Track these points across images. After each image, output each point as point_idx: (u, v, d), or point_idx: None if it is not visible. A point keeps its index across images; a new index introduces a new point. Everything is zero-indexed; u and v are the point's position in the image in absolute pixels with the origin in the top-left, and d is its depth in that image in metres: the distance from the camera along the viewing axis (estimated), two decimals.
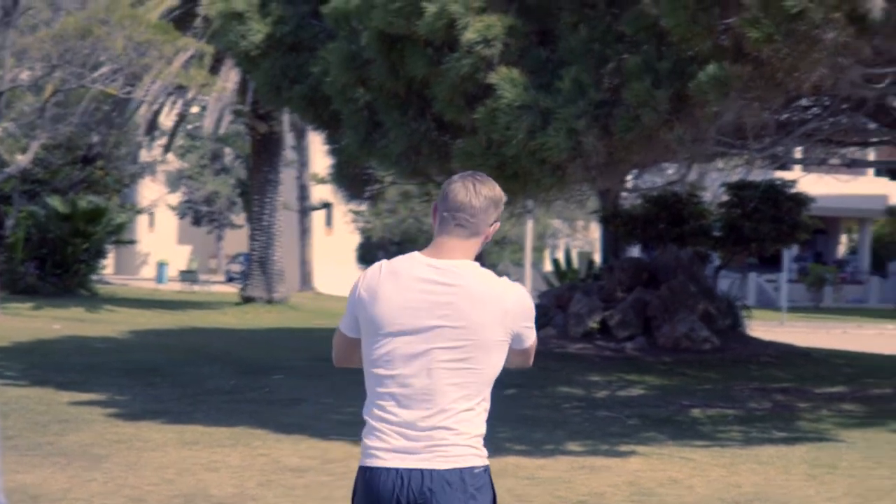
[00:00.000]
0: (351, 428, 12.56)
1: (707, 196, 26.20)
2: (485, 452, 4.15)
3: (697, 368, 19.35)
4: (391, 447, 4.14)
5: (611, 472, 10.59)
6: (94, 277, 40.63)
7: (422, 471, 4.08)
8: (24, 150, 35.91)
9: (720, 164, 20.05)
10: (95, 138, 40.48)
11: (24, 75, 31.62)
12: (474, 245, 4.30)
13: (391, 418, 4.16)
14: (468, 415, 4.12)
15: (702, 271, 23.65)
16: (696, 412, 14.81)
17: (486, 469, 4.15)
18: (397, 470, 4.11)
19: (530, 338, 4.21)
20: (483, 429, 4.16)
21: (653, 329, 21.48)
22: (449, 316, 4.12)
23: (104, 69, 29.15)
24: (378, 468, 4.15)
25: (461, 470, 4.09)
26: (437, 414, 4.11)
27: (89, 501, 8.82)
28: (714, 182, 27.77)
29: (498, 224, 4.33)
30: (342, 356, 4.45)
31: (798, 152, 22.50)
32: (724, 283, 27.24)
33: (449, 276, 4.19)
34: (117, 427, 12.34)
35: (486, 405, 4.18)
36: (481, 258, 4.43)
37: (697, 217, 24.17)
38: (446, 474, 4.07)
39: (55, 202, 38.48)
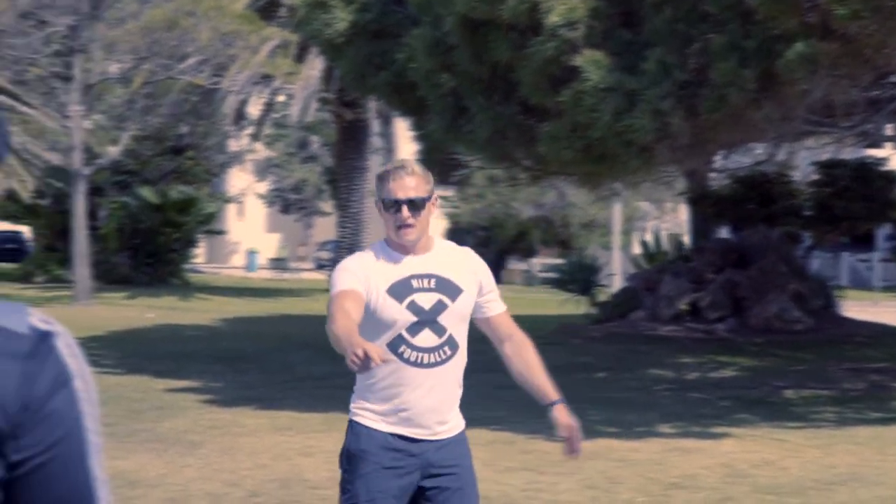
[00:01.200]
0: None
1: (797, 175, 25.93)
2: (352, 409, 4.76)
3: (789, 349, 19.17)
4: None
5: (703, 454, 10.55)
6: (185, 266, 41.12)
7: None
8: (114, 142, 36.34)
9: (809, 142, 19.86)
10: (184, 129, 40.94)
11: (114, 68, 32.02)
12: None
13: None
14: None
15: (792, 251, 23.41)
16: (788, 393, 14.69)
17: (349, 423, 4.79)
18: None
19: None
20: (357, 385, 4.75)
21: (743, 310, 21.31)
22: None
23: (191, 60, 29.45)
24: None
25: None
26: None
27: (185, 487, 8.94)
28: (803, 161, 27.48)
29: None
30: None
31: (889, 129, 22.21)
32: (816, 264, 26.96)
33: None
34: (212, 413, 12.50)
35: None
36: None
37: (787, 197, 23.93)
38: None
39: (146, 193, 38.94)
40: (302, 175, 60.77)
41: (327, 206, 60.37)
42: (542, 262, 50.20)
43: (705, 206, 24.45)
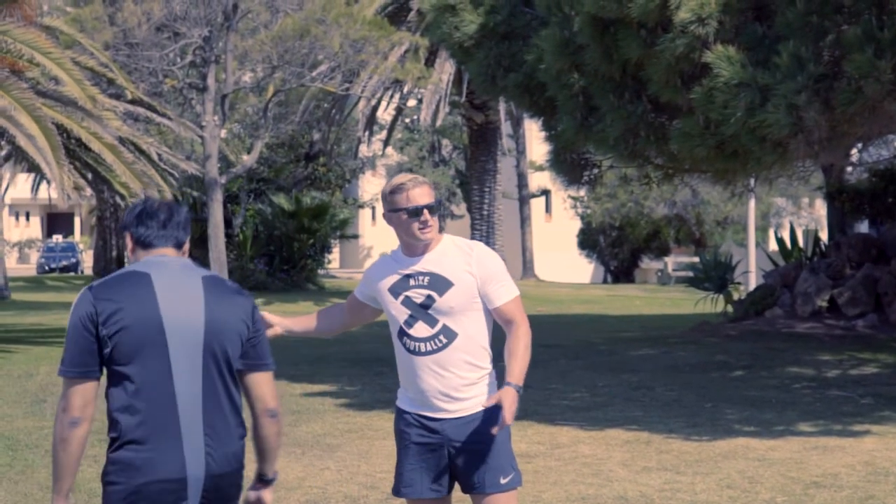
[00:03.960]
0: (578, 413, 12.58)
1: None
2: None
3: None
4: None
5: (844, 453, 10.39)
6: (320, 272, 41.53)
7: None
8: (249, 150, 36.83)
9: None
10: (317, 135, 41.36)
11: (247, 77, 32.49)
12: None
13: None
14: None
15: None
16: None
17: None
18: None
19: None
20: None
21: (884, 306, 20.92)
22: None
23: (322, 67, 29.76)
24: None
25: None
26: None
27: (324, 489, 9.04)
28: None
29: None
30: None
31: None
32: None
33: None
34: (348, 417, 12.61)
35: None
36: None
37: None
38: None
39: (280, 200, 39.42)
40: (433, 178, 61.02)
41: (459, 208, 60.61)
42: (676, 261, 49.84)
43: (843, 201, 24.05)
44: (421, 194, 5.28)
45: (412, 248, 5.35)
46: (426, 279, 5.30)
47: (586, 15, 13.82)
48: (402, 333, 5.36)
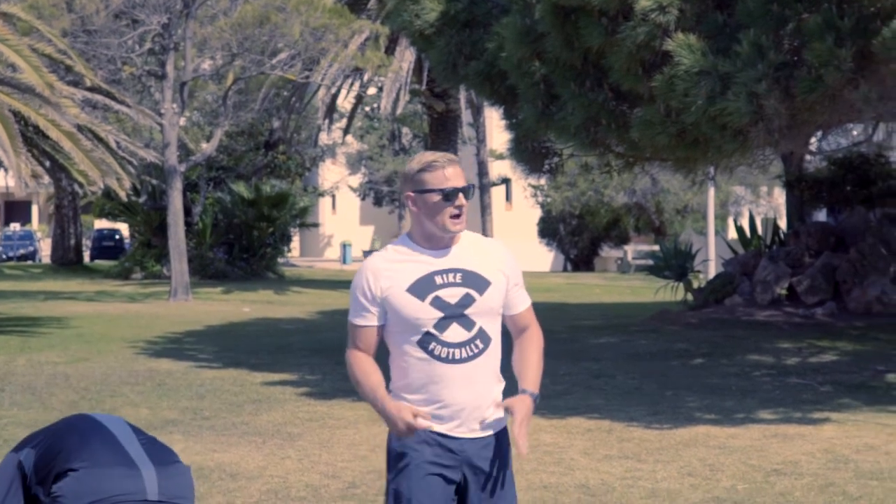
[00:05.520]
0: (539, 401, 12.57)
1: (895, 156, 25.50)
2: None
3: (891, 333, 18.88)
4: None
5: (805, 440, 10.42)
6: (280, 260, 41.42)
7: None
8: (208, 138, 36.66)
9: None
10: (276, 123, 41.24)
11: (206, 65, 32.34)
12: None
13: None
14: None
15: (892, 233, 23.04)
16: (891, 377, 14.46)
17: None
18: None
19: None
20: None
21: (843, 294, 21.03)
22: None
23: (282, 55, 29.66)
24: None
25: None
26: None
27: (285, 478, 8.99)
28: None
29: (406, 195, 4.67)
30: None
31: None
32: None
33: None
34: (309, 406, 12.56)
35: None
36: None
37: (885, 178, 23.55)
38: None
39: (240, 188, 39.29)
40: (394, 167, 60.98)
41: None
42: (636, 249, 49.98)
43: (802, 189, 24.15)
44: (456, 175, 4.55)
45: (436, 239, 4.60)
46: (458, 276, 4.55)
47: (547, 3, 13.79)
48: (430, 338, 4.54)
